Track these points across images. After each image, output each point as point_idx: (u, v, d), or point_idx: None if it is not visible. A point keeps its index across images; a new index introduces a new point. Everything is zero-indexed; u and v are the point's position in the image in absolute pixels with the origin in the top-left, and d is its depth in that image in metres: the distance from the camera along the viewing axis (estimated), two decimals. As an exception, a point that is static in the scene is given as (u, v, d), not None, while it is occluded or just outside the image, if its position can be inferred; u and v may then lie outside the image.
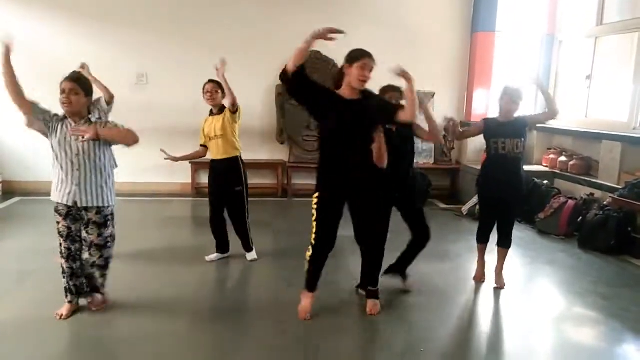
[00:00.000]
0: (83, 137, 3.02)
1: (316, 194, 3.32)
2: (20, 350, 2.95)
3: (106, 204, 3.25)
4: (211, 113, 4.39)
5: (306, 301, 3.47)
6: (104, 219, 3.26)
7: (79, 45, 6.85)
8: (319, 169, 3.34)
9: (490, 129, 3.91)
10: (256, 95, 7.08)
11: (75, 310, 3.36)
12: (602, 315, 3.67)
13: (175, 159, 4.42)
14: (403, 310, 3.70)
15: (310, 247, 3.41)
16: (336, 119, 3.19)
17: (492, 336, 3.37)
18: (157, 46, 7.04)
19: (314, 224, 3.34)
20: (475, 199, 6.30)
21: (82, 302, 3.42)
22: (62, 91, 3.10)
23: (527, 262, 4.81)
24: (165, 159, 4.32)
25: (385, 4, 7.32)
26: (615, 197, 5.26)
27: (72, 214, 3.21)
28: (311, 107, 3.28)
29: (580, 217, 5.52)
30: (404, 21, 7.33)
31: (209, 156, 4.43)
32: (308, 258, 3.45)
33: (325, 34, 2.96)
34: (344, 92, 3.22)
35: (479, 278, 4.15)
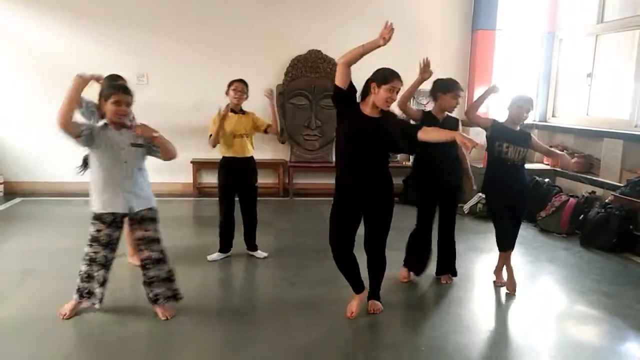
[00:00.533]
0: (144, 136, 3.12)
1: (333, 199, 3.36)
2: (23, 350, 2.95)
3: (154, 203, 3.34)
4: (231, 110, 4.35)
5: (352, 302, 3.50)
6: (155, 214, 3.33)
7: (80, 46, 6.86)
8: (336, 176, 3.37)
9: (497, 130, 3.87)
10: (257, 94, 7.05)
11: (78, 311, 3.37)
12: (605, 313, 3.67)
13: (226, 112, 4.26)
14: (404, 309, 3.70)
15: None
16: (351, 132, 3.21)
17: (493, 334, 3.37)
18: (158, 46, 7.03)
19: (329, 225, 3.37)
20: (476, 198, 6.30)
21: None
22: (118, 102, 3.09)
23: (528, 260, 4.81)
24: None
25: (386, 1, 7.30)
26: (617, 195, 5.26)
27: (116, 221, 3.22)
28: (340, 110, 3.27)
29: (582, 215, 5.52)
30: (404, 19, 7.29)
31: (226, 153, 4.35)
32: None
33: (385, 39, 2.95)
34: (365, 107, 3.22)
35: (512, 289, 4.03)
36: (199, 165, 7.10)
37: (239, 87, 4.31)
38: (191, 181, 7.19)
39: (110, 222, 3.20)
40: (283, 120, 7.27)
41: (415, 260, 4.09)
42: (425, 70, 3.68)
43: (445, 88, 3.84)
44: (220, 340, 3.15)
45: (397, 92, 3.16)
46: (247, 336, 3.18)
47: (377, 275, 3.55)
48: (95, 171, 3.17)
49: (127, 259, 4.28)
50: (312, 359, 2.98)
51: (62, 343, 3.03)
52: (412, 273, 4.14)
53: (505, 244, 3.99)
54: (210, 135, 4.29)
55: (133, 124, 3.23)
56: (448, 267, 4.13)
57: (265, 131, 4.46)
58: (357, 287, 3.48)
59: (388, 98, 3.12)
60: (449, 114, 3.98)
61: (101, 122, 3.17)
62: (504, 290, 4.02)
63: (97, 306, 3.35)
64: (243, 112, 4.40)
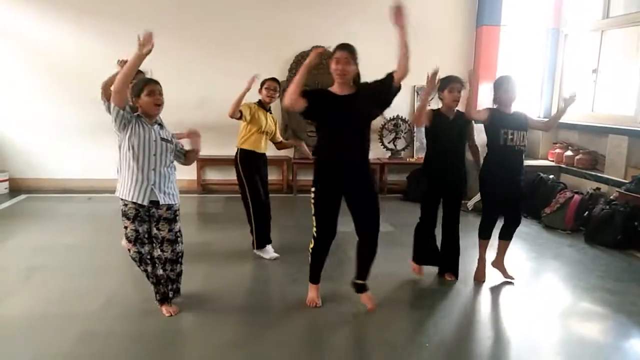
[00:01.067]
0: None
1: (313, 188, 3.39)
2: (27, 347, 2.96)
3: (176, 201, 3.35)
4: (262, 106, 4.40)
5: (312, 292, 3.58)
6: (173, 215, 3.33)
7: (84, 43, 6.88)
8: (316, 163, 3.43)
9: (497, 118, 3.85)
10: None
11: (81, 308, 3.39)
12: (609, 310, 3.65)
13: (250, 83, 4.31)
14: (407, 304, 3.70)
15: (312, 240, 3.49)
16: (330, 116, 3.26)
17: (497, 330, 3.36)
18: (160, 43, 6.93)
19: (314, 217, 3.43)
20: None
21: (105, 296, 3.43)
22: (152, 92, 3.15)
23: (533, 256, 4.80)
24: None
25: (390, -2, 7.29)
26: (622, 191, 5.23)
27: (140, 215, 3.22)
28: (318, 118, 3.38)
29: (587, 212, 5.50)
30: (408, 15, 7.28)
31: (251, 147, 4.39)
32: (311, 250, 3.53)
33: (315, 60, 3.15)
34: (335, 88, 3.30)
35: (481, 278, 4.10)
36: (203, 162, 7.10)
37: (272, 86, 4.37)
38: (195, 178, 7.20)
39: (134, 216, 3.20)
40: (287, 117, 7.27)
41: (421, 253, 4.11)
42: (430, 81, 3.68)
43: (441, 86, 3.86)
44: (223, 337, 3.14)
45: (345, 63, 3.19)
46: (250, 333, 3.19)
47: (369, 261, 3.52)
48: (124, 159, 3.18)
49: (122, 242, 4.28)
50: (314, 356, 2.99)
51: (65, 340, 3.04)
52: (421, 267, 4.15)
53: (485, 231, 4.05)
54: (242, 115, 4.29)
55: (173, 137, 3.34)
56: (451, 265, 4.12)
57: (273, 141, 4.59)
58: (318, 278, 3.58)
59: (335, 70, 3.20)
60: (458, 109, 3.95)
61: (135, 114, 3.19)
62: (507, 287, 4.01)
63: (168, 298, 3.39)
64: (270, 112, 4.48)
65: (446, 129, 3.87)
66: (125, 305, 3.49)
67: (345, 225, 3.45)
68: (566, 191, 5.89)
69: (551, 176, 6.29)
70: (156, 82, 3.21)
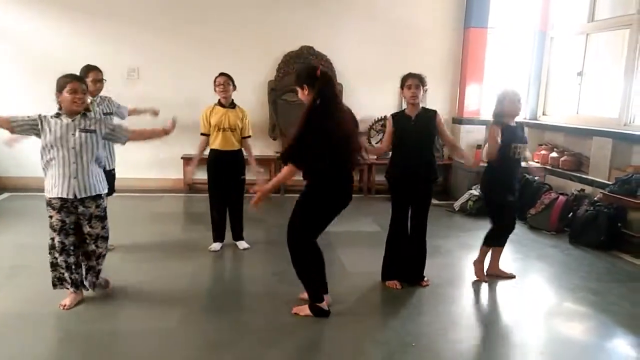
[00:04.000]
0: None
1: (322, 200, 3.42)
2: (7, 346, 2.92)
3: (100, 191, 3.31)
4: (220, 105, 4.42)
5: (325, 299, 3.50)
6: (103, 212, 3.34)
7: (71, 41, 6.81)
8: (329, 178, 3.49)
9: (508, 133, 3.89)
10: (248, 91, 7.04)
11: (80, 301, 3.40)
12: (592, 310, 3.70)
13: (195, 163, 4.53)
14: (394, 305, 3.71)
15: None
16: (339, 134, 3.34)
17: (482, 330, 3.39)
18: (149, 41, 6.99)
19: (311, 223, 3.43)
20: (467, 195, 6.32)
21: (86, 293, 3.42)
22: (74, 91, 3.21)
23: (518, 257, 4.84)
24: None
25: (378, -1, 7.32)
26: (606, 192, 5.29)
27: (66, 207, 3.22)
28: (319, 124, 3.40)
29: (571, 213, 5.56)
30: (396, 17, 7.31)
31: (214, 146, 4.43)
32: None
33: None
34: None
35: (482, 277, 4.14)
36: (189, 162, 7.05)
37: (221, 81, 4.40)
38: (182, 177, 7.15)
39: (60, 207, 3.22)
40: (275, 116, 7.26)
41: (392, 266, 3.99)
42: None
43: (401, 84, 3.83)
44: (206, 337, 3.13)
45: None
46: (236, 331, 3.18)
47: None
48: (45, 160, 3.31)
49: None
50: (301, 357, 2.98)
51: (50, 338, 3.02)
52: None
53: (498, 240, 4.11)
54: (203, 134, 4.39)
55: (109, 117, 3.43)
56: (416, 273, 4.00)
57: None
58: (326, 288, 3.52)
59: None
60: (424, 107, 3.90)
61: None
62: (493, 287, 4.04)
63: (70, 289, 3.36)
64: (233, 106, 4.45)
65: (409, 130, 3.79)
66: (107, 304, 3.45)
67: (335, 226, 3.46)
68: (551, 192, 5.95)
69: (536, 177, 6.34)
70: (79, 80, 3.29)
